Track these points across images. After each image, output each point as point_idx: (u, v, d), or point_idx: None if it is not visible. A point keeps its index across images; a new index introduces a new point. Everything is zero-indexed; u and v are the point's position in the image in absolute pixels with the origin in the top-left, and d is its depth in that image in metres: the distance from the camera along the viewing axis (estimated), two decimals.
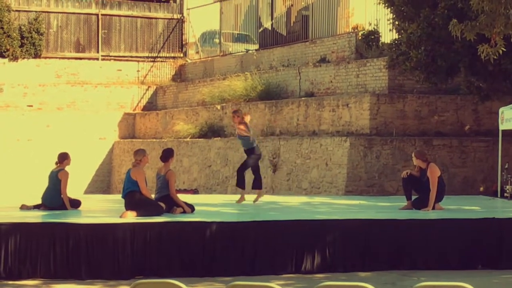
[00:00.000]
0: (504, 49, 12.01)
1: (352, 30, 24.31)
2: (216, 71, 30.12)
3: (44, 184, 14.09)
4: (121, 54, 32.95)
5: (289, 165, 21.38)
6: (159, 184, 13.45)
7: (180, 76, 32.96)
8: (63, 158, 13.89)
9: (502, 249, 12.39)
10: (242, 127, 15.66)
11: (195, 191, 23.11)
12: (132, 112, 31.68)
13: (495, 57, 11.95)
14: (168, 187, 13.28)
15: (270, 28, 28.38)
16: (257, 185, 15.99)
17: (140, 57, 33.06)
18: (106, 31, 32.77)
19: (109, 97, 31.63)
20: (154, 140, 28.62)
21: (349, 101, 20.79)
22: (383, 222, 12.53)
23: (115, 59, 32.71)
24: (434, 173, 13.98)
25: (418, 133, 20.29)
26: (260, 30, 28.99)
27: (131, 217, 12.20)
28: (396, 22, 18.50)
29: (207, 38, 34.98)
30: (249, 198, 15.99)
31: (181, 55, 33.65)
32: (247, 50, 29.59)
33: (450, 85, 19.96)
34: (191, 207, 13.27)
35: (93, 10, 32.64)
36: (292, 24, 27.52)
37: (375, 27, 23.28)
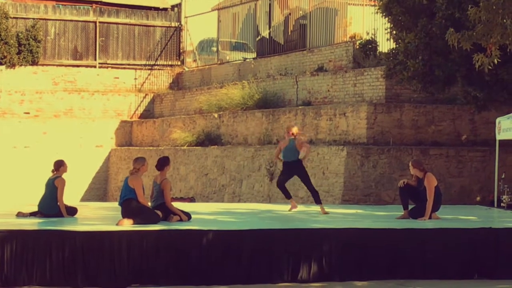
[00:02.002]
0: (499, 59, 12.03)
1: (350, 39, 24.35)
2: (214, 79, 30.14)
3: (40, 191, 14.07)
4: (119, 61, 32.97)
5: None
6: (155, 192, 13.43)
7: (177, 84, 32.98)
8: (59, 165, 13.87)
9: (498, 258, 12.39)
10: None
11: (191, 199, 23.09)
12: (129, 120, 31.69)
13: (489, 67, 11.97)
14: (163, 195, 13.27)
15: (267, 37, 28.42)
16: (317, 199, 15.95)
17: (138, 65, 33.08)
18: (103, 38, 32.79)
19: (106, 104, 31.64)
20: (151, 148, 28.61)
21: (346, 110, 20.81)
22: (379, 231, 12.53)
23: (112, 67, 32.73)
24: (431, 182, 13.97)
25: (415, 143, 20.31)
26: (257, 39, 29.02)
27: (127, 225, 12.19)
28: (394, 32, 18.53)
29: (204, 46, 35.03)
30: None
31: (179, 63, 33.67)
32: (245, 59, 29.62)
33: (447, 95, 20.00)
34: (188, 215, 13.26)
35: (91, 17, 32.67)
36: (289, 33, 27.56)
37: (373, 36, 23.32)
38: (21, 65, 30.90)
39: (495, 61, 11.92)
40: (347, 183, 19.38)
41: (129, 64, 33.01)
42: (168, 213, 13.08)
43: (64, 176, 13.81)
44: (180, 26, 33.78)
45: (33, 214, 13.74)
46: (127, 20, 33.12)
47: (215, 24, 31.89)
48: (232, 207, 16.08)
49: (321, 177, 20.18)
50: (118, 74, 32.63)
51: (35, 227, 12.16)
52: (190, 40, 34.03)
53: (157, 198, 13.30)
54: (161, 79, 33.07)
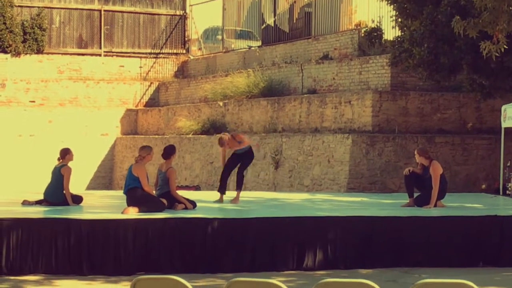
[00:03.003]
0: (506, 47, 12.00)
1: (355, 27, 24.29)
2: (219, 67, 30.12)
3: (46, 179, 14.09)
4: (124, 50, 32.95)
5: (291, 162, 21.38)
6: (160, 180, 13.43)
7: (182, 72, 32.96)
8: (65, 153, 13.87)
9: (504, 246, 12.39)
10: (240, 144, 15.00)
11: (197, 188, 23.11)
12: (135, 108, 31.69)
13: (497, 54, 11.94)
14: (169, 184, 13.27)
15: (273, 25, 28.36)
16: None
17: (143, 53, 33.06)
18: (108, 27, 32.76)
19: (112, 93, 31.64)
20: (156, 136, 28.62)
21: (352, 98, 20.78)
22: (385, 219, 12.53)
23: (117, 55, 32.72)
24: (436, 170, 13.96)
25: (420, 131, 20.29)
26: (263, 27, 28.96)
27: (133, 213, 12.20)
28: (399, 19, 18.48)
29: (209, 34, 34.97)
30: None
31: (184, 51, 33.64)
32: (250, 47, 29.57)
33: (452, 82, 19.94)
34: (193, 204, 13.26)
35: (96, 6, 32.63)
36: (295, 21, 27.50)
37: (378, 24, 23.26)
38: (26, 54, 30.90)
39: (502, 48, 11.89)
40: (353, 171, 19.37)
41: (134, 53, 32.99)
42: (173, 201, 13.10)
43: (69, 164, 13.82)
44: (185, 14, 33.73)
45: (38, 202, 13.76)
46: (132, 8, 33.09)
47: (220, 12, 31.84)
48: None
49: (326, 165, 20.18)
50: (123, 63, 32.61)
51: (41, 215, 12.17)
52: (195, 28, 33.97)
53: (162, 187, 13.31)
54: (166, 68, 33.05)
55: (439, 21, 16.90)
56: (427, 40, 17.24)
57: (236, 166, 15.14)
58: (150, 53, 33.08)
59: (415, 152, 14.47)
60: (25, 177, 27.88)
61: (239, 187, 15.00)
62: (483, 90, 17.96)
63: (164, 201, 12.92)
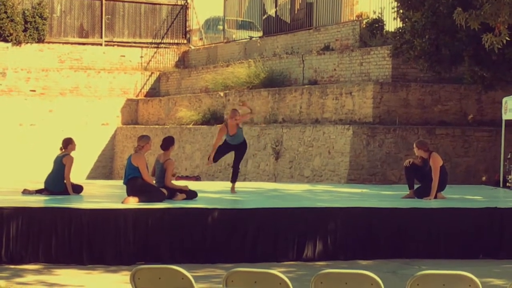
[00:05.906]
0: (508, 38, 11.99)
1: (356, 18, 24.25)
2: (220, 58, 30.09)
3: (46, 168, 14.09)
4: (125, 40, 32.90)
5: (291, 153, 21.37)
6: (157, 171, 13.40)
7: (183, 62, 32.92)
8: (67, 143, 13.86)
9: (504, 238, 12.39)
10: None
11: (197, 178, 23.12)
12: (135, 98, 31.68)
13: (499, 46, 11.93)
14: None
15: (274, 16, 28.32)
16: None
17: (144, 43, 33.02)
18: (109, 16, 32.71)
19: (112, 83, 31.62)
20: (157, 126, 28.62)
21: (353, 89, 20.77)
22: (385, 210, 12.54)
23: (118, 45, 32.68)
24: (436, 162, 13.95)
25: (421, 122, 20.28)
26: (264, 17, 28.93)
27: (133, 202, 12.20)
28: (401, 11, 18.46)
29: (211, 24, 34.95)
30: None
31: (185, 41, 33.60)
32: (251, 37, 29.54)
33: (453, 74, 19.92)
34: (194, 193, 13.24)
35: None
36: (296, 12, 27.46)
37: (380, 15, 23.23)
38: (27, 43, 30.87)
39: (504, 40, 11.87)
40: (353, 163, 19.37)
41: (135, 42, 32.95)
42: (173, 192, 13.09)
43: (72, 154, 13.81)
44: (186, 4, 33.68)
45: (39, 192, 13.76)
46: None
47: (221, 2, 31.80)
48: (238, 186, 16.05)
49: (326, 156, 20.18)
50: (124, 52, 32.58)
51: (41, 205, 12.19)
52: (197, 18, 33.95)
53: (160, 178, 13.28)
54: (167, 58, 33.01)
55: (441, 12, 16.87)
56: (428, 31, 17.22)
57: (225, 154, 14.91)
58: (151, 43, 33.04)
59: (414, 145, 14.43)
60: (26, 166, 27.88)
61: (234, 179, 14.81)
62: (484, 82, 17.95)
63: (164, 191, 12.92)
